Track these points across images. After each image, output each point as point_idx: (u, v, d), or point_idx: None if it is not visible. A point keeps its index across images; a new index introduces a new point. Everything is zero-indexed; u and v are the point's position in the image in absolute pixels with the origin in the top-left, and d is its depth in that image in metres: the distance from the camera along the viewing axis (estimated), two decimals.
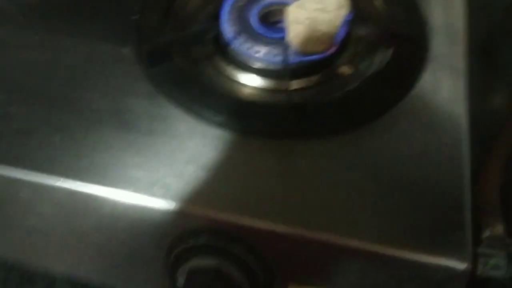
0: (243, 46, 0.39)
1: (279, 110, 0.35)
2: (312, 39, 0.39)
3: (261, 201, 0.32)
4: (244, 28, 0.41)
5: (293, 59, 0.39)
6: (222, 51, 0.41)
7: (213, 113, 0.35)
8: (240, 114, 0.35)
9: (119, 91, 0.37)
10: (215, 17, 0.43)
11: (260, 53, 0.39)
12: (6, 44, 0.40)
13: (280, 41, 0.40)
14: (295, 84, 0.39)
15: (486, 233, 0.34)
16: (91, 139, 0.35)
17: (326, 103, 0.36)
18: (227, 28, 0.41)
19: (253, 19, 0.41)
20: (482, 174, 0.39)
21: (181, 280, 0.33)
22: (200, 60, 0.40)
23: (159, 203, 0.32)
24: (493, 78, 0.52)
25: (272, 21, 0.43)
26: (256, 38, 0.40)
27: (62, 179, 0.33)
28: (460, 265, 0.29)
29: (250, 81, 0.39)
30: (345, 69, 0.40)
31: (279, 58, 0.38)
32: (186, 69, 0.38)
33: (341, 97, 0.37)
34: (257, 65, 0.39)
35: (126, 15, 0.42)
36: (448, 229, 0.31)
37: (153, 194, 0.32)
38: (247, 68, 0.40)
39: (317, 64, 0.39)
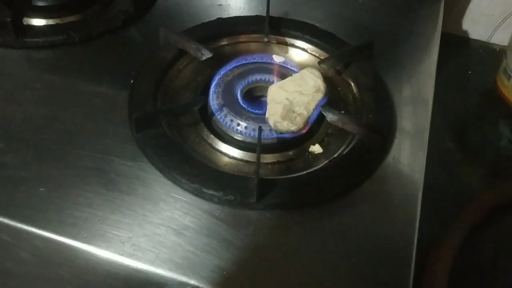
0: (225, 119, 0.43)
1: (250, 183, 0.38)
2: (288, 119, 0.42)
3: (225, 269, 0.34)
4: (229, 102, 0.44)
5: (269, 135, 0.42)
6: (207, 120, 0.45)
7: (189, 180, 0.38)
8: (214, 183, 0.38)
9: (107, 151, 0.40)
10: (204, 87, 0.47)
11: (240, 126, 0.43)
12: (9, 97, 0.44)
13: (259, 117, 0.44)
14: (268, 158, 0.42)
15: None
16: (74, 194, 0.38)
17: (293, 179, 0.40)
18: (213, 100, 0.45)
19: (238, 93, 0.45)
20: (433, 258, 0.42)
21: None
22: (185, 126, 0.44)
23: (127, 261, 0.35)
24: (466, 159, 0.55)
25: (255, 95, 0.47)
26: (238, 112, 0.44)
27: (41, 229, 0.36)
28: None
29: (228, 151, 0.43)
30: (315, 149, 0.43)
31: (256, 133, 0.42)
32: (171, 135, 0.42)
33: (307, 175, 0.40)
34: (236, 137, 0.43)
35: (124, 78, 0.46)
36: None
37: (122, 252, 0.35)
38: (227, 139, 0.43)
39: (290, 142, 0.43)
